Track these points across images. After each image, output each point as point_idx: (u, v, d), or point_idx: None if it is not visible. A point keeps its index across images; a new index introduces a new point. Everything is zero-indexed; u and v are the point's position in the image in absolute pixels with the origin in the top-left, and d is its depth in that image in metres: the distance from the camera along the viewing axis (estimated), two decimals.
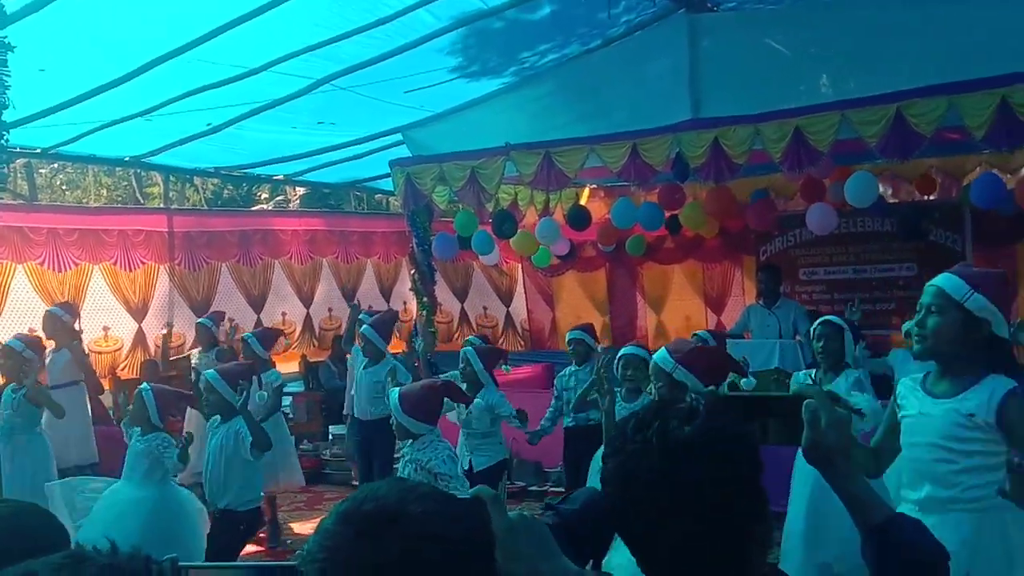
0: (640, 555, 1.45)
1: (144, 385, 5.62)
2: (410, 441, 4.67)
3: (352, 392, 7.79)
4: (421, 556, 1.13)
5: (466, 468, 5.85)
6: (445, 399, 5.09)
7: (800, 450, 1.66)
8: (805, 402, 1.59)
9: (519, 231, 10.20)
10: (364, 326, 7.40)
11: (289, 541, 7.34)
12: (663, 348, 4.64)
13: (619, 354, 5.63)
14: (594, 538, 1.50)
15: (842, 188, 8.58)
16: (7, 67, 4.76)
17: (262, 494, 5.71)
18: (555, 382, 6.90)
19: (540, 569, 1.36)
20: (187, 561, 3.13)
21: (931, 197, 10.07)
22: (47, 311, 8.03)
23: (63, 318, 7.87)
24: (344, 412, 8.12)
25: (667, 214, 9.83)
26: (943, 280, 2.94)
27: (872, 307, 10.38)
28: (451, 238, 9.76)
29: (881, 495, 1.70)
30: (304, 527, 7.70)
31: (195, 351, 8.24)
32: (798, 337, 8.46)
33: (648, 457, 1.41)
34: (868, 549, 1.57)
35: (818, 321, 5.33)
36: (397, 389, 4.80)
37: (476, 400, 5.99)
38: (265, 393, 7.06)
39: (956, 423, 2.87)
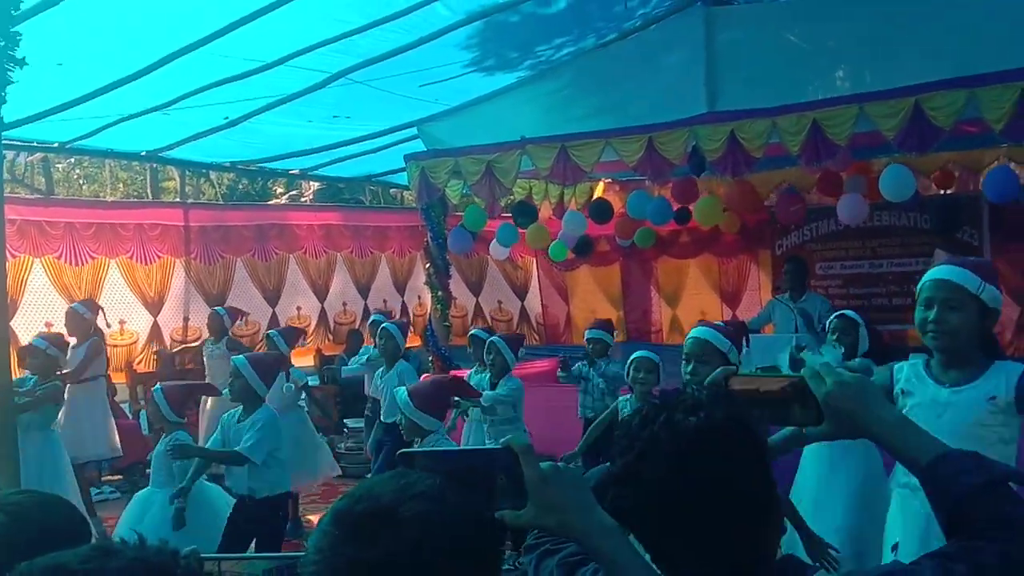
0: (654, 551, 1.43)
1: (156, 387, 5.69)
2: (419, 441, 4.65)
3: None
4: (415, 558, 1.10)
5: None
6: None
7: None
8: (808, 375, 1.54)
9: (532, 224, 10.22)
10: (387, 323, 7.51)
11: (306, 533, 7.36)
12: (705, 328, 4.61)
13: (631, 357, 5.71)
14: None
15: (860, 181, 8.53)
16: (9, 63, 4.69)
17: (290, 480, 5.74)
18: (573, 367, 7.00)
19: (572, 522, 1.35)
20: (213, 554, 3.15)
21: (950, 191, 10.01)
22: (69, 308, 8.12)
23: (84, 315, 7.98)
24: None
25: (677, 207, 9.85)
26: (952, 273, 2.97)
27: (888, 302, 10.34)
28: (466, 232, 9.76)
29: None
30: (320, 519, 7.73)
31: (207, 339, 8.32)
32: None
33: (656, 452, 1.39)
34: (926, 489, 1.46)
35: (834, 315, 5.49)
36: (404, 388, 4.81)
37: (499, 389, 6.23)
38: (292, 385, 7.15)
39: (982, 408, 2.96)
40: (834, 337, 5.31)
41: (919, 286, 3.10)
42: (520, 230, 10.33)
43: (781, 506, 1.45)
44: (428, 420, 4.57)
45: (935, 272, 3.05)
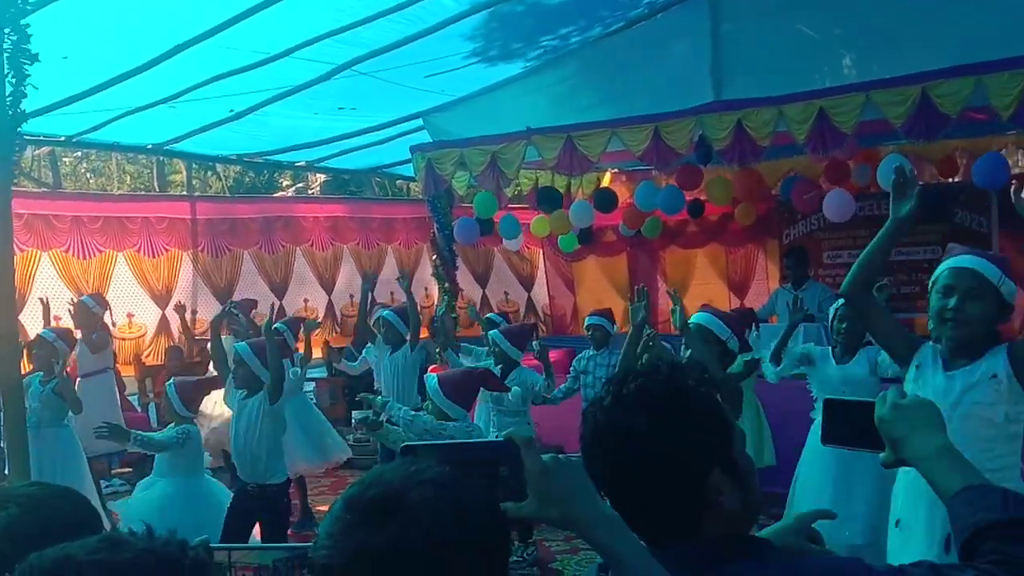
0: (608, 498, 1.46)
1: (169, 382, 5.80)
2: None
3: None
4: (424, 543, 1.11)
5: None
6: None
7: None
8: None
9: (537, 217, 10.22)
10: (385, 311, 7.47)
11: (316, 525, 7.38)
12: (707, 314, 4.61)
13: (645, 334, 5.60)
14: None
15: (866, 170, 8.50)
16: (26, 56, 4.71)
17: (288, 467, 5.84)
18: (573, 363, 6.96)
19: (573, 513, 1.35)
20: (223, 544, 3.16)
21: (956, 179, 9.97)
22: (79, 301, 8.20)
23: (93, 309, 8.08)
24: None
25: (689, 197, 9.81)
26: (976, 263, 2.91)
27: (896, 290, 10.28)
28: (472, 222, 9.75)
29: None
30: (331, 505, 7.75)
31: (226, 337, 8.29)
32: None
33: (603, 405, 1.47)
34: (950, 517, 1.46)
35: (840, 302, 5.33)
36: (435, 375, 4.88)
37: (511, 384, 6.19)
38: (299, 369, 7.20)
39: (984, 387, 2.92)
40: (843, 326, 5.23)
41: (936, 274, 3.02)
42: (523, 221, 10.33)
43: (726, 484, 1.42)
44: (454, 408, 4.68)
45: (956, 260, 2.98)
